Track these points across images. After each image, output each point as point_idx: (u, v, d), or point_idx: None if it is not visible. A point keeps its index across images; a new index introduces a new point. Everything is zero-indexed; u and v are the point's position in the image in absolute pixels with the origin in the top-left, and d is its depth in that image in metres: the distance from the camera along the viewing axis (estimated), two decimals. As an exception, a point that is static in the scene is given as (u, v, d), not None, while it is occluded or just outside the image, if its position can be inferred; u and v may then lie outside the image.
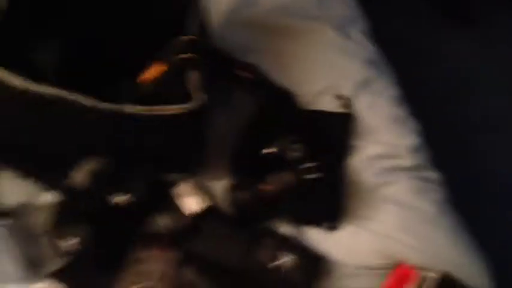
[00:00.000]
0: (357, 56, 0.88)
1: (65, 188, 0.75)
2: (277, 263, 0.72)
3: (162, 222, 0.76)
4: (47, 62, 0.73)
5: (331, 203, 0.77)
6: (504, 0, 1.50)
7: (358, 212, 0.77)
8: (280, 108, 0.81)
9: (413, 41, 1.28)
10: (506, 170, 1.25)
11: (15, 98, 0.66)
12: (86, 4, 0.74)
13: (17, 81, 0.65)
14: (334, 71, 0.86)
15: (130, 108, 0.66)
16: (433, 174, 0.81)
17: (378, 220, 0.76)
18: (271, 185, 0.74)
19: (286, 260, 0.72)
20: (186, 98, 0.70)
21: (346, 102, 0.83)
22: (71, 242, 0.70)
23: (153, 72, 0.74)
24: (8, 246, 0.67)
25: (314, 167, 0.73)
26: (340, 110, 0.83)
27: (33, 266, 0.72)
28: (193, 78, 0.69)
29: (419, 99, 0.89)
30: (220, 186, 0.79)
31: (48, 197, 0.78)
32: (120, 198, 0.74)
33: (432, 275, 0.69)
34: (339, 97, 0.83)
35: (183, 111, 0.67)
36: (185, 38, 0.70)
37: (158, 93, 0.74)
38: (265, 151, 0.77)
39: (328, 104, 0.83)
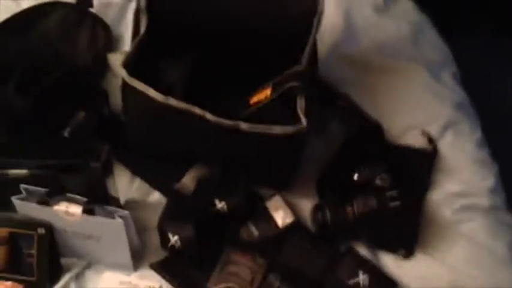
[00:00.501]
0: (446, 98, 0.94)
1: (175, 190, 0.86)
2: (355, 280, 0.79)
3: (254, 230, 0.85)
4: (177, 78, 0.84)
5: (409, 231, 0.84)
6: None
7: (433, 243, 0.83)
8: (369, 139, 0.88)
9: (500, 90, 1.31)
10: None
11: (151, 108, 0.78)
12: (212, 34, 0.84)
13: (152, 92, 0.77)
14: (423, 110, 0.92)
15: (245, 126, 0.76)
16: (507, 217, 0.86)
17: (451, 253, 0.81)
18: (356, 208, 0.82)
19: (364, 278, 0.79)
20: (290, 121, 0.79)
21: (432, 140, 0.89)
22: (174, 239, 0.81)
23: (261, 95, 0.84)
24: (122, 237, 0.77)
25: (397, 196, 0.80)
26: (425, 147, 0.89)
27: (138, 257, 0.83)
28: (300, 104, 0.78)
29: (498, 143, 0.94)
30: (306, 205, 0.87)
31: (156, 196, 0.91)
32: (220, 204, 0.84)
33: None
34: (425, 135, 0.90)
35: (288, 133, 0.76)
36: (297, 68, 0.79)
37: (263, 114, 0.84)
38: (354, 177, 0.85)
39: (414, 140, 0.90)
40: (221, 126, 0.77)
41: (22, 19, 0.98)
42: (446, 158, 0.88)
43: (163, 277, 0.80)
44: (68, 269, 0.82)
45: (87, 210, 0.76)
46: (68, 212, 0.76)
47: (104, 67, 0.99)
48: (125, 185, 0.88)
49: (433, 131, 0.90)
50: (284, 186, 0.86)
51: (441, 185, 0.86)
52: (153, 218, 0.83)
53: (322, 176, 0.89)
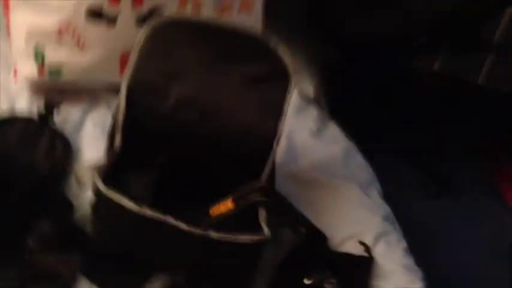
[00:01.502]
0: (376, 211, 1.09)
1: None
2: None
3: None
4: (143, 188, 0.91)
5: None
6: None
7: None
8: (316, 247, 0.99)
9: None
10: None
11: (124, 217, 0.83)
12: (177, 150, 0.93)
13: (126, 202, 0.83)
14: (358, 221, 1.06)
15: (215, 235, 0.83)
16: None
17: None
18: (309, 312, 0.90)
19: None
20: (249, 230, 0.88)
21: (368, 248, 1.02)
22: None
23: (223, 208, 0.93)
24: None
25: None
26: (363, 254, 1.01)
27: None
28: (261, 216, 0.88)
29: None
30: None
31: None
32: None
33: None
34: (362, 243, 1.02)
35: (254, 240, 0.84)
36: (258, 184, 0.90)
37: (223, 225, 0.91)
38: (305, 281, 0.94)
39: (353, 248, 1.02)
40: (192, 235, 0.84)
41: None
42: (381, 264, 1.00)
43: None
44: None
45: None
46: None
47: (63, 177, 1.03)
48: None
49: (368, 240, 1.03)
50: (242, 292, 0.93)
51: (378, 288, 0.98)
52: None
53: (273, 282, 0.97)
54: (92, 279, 0.90)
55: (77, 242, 0.90)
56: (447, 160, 1.76)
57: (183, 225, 0.83)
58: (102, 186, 0.84)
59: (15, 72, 1.14)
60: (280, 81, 0.93)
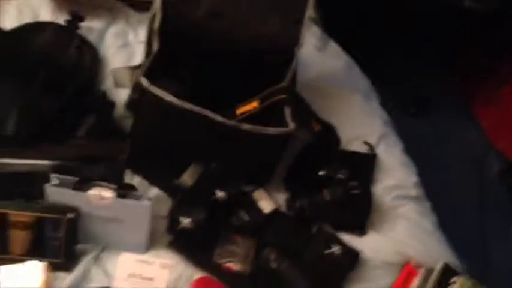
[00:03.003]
0: (378, 116, 1.24)
1: (175, 185, 0.99)
2: (329, 251, 0.99)
3: (245, 216, 1.01)
4: (178, 90, 0.99)
5: (362, 215, 1.07)
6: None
7: (380, 223, 1.07)
8: (328, 143, 1.12)
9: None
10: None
11: (166, 112, 0.93)
12: (210, 55, 1.02)
13: (169, 97, 0.92)
14: (362, 125, 1.20)
15: (246, 126, 0.94)
16: (427, 203, 1.14)
17: (394, 230, 1.06)
18: (325, 196, 1.03)
19: (336, 249, 0.99)
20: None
21: (372, 147, 1.16)
22: (186, 222, 0.94)
23: (249, 107, 1.03)
24: (146, 219, 0.89)
25: (357, 185, 1.04)
26: (367, 152, 1.15)
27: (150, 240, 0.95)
28: (287, 112, 0.99)
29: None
30: (278, 196, 1.06)
31: (155, 191, 1.01)
32: (220, 195, 0.99)
33: (437, 267, 1.00)
34: (366, 143, 1.16)
35: (280, 133, 0.96)
36: (282, 84, 1.00)
37: (250, 120, 1.02)
38: (320, 173, 1.07)
39: (358, 148, 1.16)
40: (226, 127, 0.95)
41: (21, 33, 1.07)
42: (382, 161, 1.15)
43: (179, 253, 0.93)
44: (83, 254, 0.92)
45: (119, 194, 0.87)
46: (101, 196, 0.87)
47: (91, 81, 1.11)
48: (128, 180, 0.99)
49: (371, 140, 1.17)
50: (266, 180, 1.05)
51: (381, 181, 1.12)
52: (153, 210, 0.95)
53: (289, 173, 1.10)
54: (135, 169, 1.01)
55: (117, 134, 1.00)
56: (427, 84, 1.91)
57: (219, 117, 0.94)
58: (146, 83, 0.93)
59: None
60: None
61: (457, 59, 1.89)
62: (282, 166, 1.09)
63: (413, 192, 1.13)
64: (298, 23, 1.02)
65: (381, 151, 1.16)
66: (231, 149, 0.98)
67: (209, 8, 1.01)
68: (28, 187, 0.88)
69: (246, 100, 1.03)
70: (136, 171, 1.01)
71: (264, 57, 1.03)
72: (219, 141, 0.97)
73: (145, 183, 1.02)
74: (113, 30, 1.23)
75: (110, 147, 0.91)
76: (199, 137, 0.97)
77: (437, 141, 1.80)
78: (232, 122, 0.94)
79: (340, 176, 1.06)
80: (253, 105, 1.03)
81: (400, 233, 1.06)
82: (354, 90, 1.26)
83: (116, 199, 0.87)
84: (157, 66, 0.99)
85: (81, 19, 1.15)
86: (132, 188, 0.90)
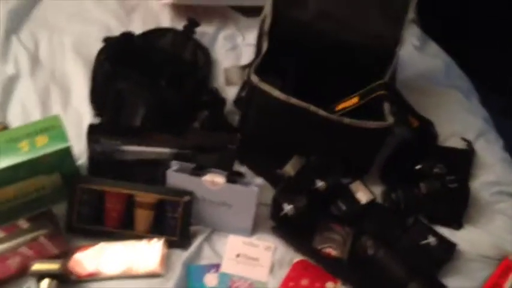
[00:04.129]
0: (476, 113, 1.25)
1: (278, 175, 1.08)
2: (426, 241, 1.03)
3: (342, 206, 1.07)
4: (283, 87, 1.08)
5: (460, 209, 1.09)
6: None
7: (477, 218, 1.09)
8: (427, 139, 1.15)
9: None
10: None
11: (274, 106, 1.01)
12: (313, 53, 1.10)
13: (277, 92, 1.01)
14: (461, 121, 1.22)
15: (347, 120, 1.01)
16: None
17: (491, 225, 1.08)
18: (423, 189, 1.07)
19: (432, 240, 1.02)
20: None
21: (470, 143, 1.17)
22: (288, 208, 1.02)
23: (349, 103, 1.09)
24: (252, 204, 0.98)
25: (455, 179, 1.06)
26: (465, 148, 1.17)
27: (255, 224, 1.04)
28: (386, 108, 1.04)
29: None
30: (374, 189, 1.11)
31: (259, 181, 1.08)
32: (320, 184, 1.06)
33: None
34: (464, 139, 1.18)
35: (381, 127, 1.01)
36: (382, 81, 1.05)
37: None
38: (417, 167, 1.10)
39: (456, 144, 1.18)
40: (329, 120, 1.02)
41: (147, 36, 1.22)
42: (481, 157, 1.16)
43: (281, 238, 1.02)
44: (196, 234, 1.03)
45: (230, 180, 0.97)
46: (214, 181, 0.97)
47: (205, 80, 1.23)
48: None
49: (470, 137, 1.18)
50: (364, 173, 1.11)
51: (479, 177, 1.14)
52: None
53: (385, 166, 1.15)
54: (242, 160, 1.10)
55: (226, 129, 1.11)
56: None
57: (322, 112, 1.01)
58: (256, 80, 1.02)
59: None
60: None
61: None
62: (379, 160, 1.14)
63: (513, 188, 1.14)
64: (400, 22, 1.07)
65: (480, 147, 1.18)
66: (332, 141, 1.05)
67: (317, 10, 1.09)
68: (152, 171, 1.00)
69: (346, 96, 1.10)
70: (242, 161, 1.11)
71: (367, 55, 1.09)
72: (321, 134, 1.04)
73: (250, 173, 1.10)
74: (223, 34, 1.35)
75: (221, 139, 1.01)
76: (302, 130, 1.05)
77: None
78: (334, 116, 1.01)
79: (437, 170, 1.09)
80: (353, 101, 1.08)
81: (498, 227, 1.07)
82: (453, 88, 1.28)
83: (227, 184, 0.97)
84: (265, 65, 1.08)
85: (197, 24, 1.28)
86: (241, 175, 1.00)
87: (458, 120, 1.21)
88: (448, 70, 1.33)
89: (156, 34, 1.23)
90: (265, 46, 1.07)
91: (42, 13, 1.33)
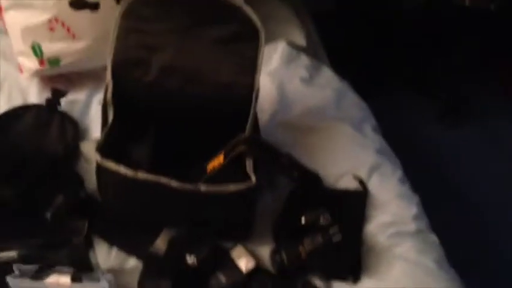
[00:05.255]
0: (368, 146, 1.13)
1: (150, 253, 0.98)
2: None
3: (222, 278, 0.97)
4: (142, 156, 1.00)
5: (353, 260, 0.99)
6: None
7: (375, 267, 0.98)
8: (311, 188, 1.04)
9: (414, 135, 1.55)
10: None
11: (123, 183, 0.92)
12: (169, 116, 1.01)
13: (122, 169, 0.92)
14: (351, 158, 1.11)
15: (204, 188, 0.91)
16: (432, 236, 1.02)
17: (391, 273, 0.97)
18: (306, 246, 0.96)
19: (321, 305, 0.92)
20: (242, 180, 0.95)
21: (362, 182, 1.07)
22: (154, 294, 0.92)
23: (216, 162, 1.00)
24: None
25: (338, 231, 0.95)
26: (358, 188, 1.06)
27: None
28: (248, 165, 0.94)
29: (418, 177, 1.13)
30: (265, 250, 1.01)
31: (133, 262, 1.01)
32: (190, 259, 0.96)
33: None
34: (357, 178, 1.07)
35: (241, 189, 0.91)
36: (242, 136, 0.96)
37: (219, 178, 0.99)
38: (302, 221, 1.00)
39: (348, 184, 1.07)
40: (184, 191, 0.92)
41: (1, 121, 1.12)
42: (375, 195, 1.06)
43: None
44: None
45: (75, 279, 0.87)
46: (59, 283, 0.87)
47: (74, 155, 1.13)
48: (104, 254, 0.99)
49: (362, 174, 1.08)
50: (244, 236, 1.00)
51: (374, 218, 1.03)
52: (132, 282, 0.94)
53: (275, 223, 1.04)
54: (106, 239, 1.00)
55: (88, 210, 1.01)
56: (462, 89, 1.75)
57: (174, 183, 0.91)
58: (98, 158, 0.93)
59: (20, 66, 1.25)
60: (251, 39, 0.98)
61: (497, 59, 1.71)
62: (268, 216, 1.04)
63: (412, 226, 1.02)
64: (252, 69, 0.98)
65: (374, 184, 1.07)
66: (197, 210, 0.95)
67: (160, 67, 1.00)
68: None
69: (213, 154, 1.00)
70: (111, 242, 1.01)
71: (222, 107, 1.00)
72: (183, 205, 0.95)
73: (122, 254, 1.01)
74: (98, 98, 1.25)
75: (69, 230, 0.92)
76: (162, 203, 0.95)
77: (482, 152, 1.63)
78: (189, 186, 0.91)
79: (322, 221, 0.99)
80: (219, 160, 0.99)
81: (397, 275, 0.96)
82: (343, 120, 1.17)
83: (73, 284, 0.87)
84: (115, 135, 0.99)
85: (62, 95, 1.19)
86: (91, 269, 0.90)
87: (349, 156, 1.11)
88: (340, 100, 1.22)
89: (14, 114, 1.15)
90: (111, 115, 0.98)
91: None
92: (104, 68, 1.26)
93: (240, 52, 0.99)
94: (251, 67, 0.99)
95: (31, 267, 0.88)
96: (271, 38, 1.24)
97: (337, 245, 0.94)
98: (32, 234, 0.92)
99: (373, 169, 1.09)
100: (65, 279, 0.87)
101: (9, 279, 0.88)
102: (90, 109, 1.23)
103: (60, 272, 0.88)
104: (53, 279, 0.87)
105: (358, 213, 1.03)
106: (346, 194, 1.06)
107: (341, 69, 1.30)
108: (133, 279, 0.94)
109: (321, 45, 1.38)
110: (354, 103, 1.23)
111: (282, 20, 1.40)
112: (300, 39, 1.35)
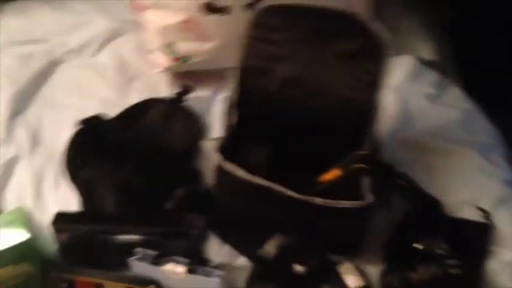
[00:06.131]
0: (497, 176, 1.06)
1: (258, 255, 1.00)
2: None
3: (328, 292, 0.97)
4: (258, 160, 1.01)
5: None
6: None
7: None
8: (428, 212, 1.00)
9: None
10: None
11: (240, 185, 0.95)
12: (288, 124, 1.02)
13: (241, 172, 0.94)
14: (476, 187, 1.04)
15: (318, 200, 0.91)
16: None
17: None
18: (420, 274, 0.92)
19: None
20: (354, 196, 0.93)
21: (487, 213, 1.00)
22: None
23: (330, 175, 0.99)
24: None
25: (457, 264, 0.90)
26: (481, 220, 1.00)
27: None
28: (365, 183, 0.92)
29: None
30: (374, 270, 0.99)
31: (242, 261, 1.04)
32: (298, 268, 0.97)
33: None
34: (480, 209, 1.01)
35: (357, 206, 0.90)
36: (361, 152, 0.94)
37: (331, 191, 0.98)
38: (415, 245, 0.96)
39: (469, 214, 1.01)
40: (298, 201, 0.92)
41: (132, 112, 1.20)
42: (501, 230, 0.99)
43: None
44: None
45: (190, 270, 0.91)
46: (174, 271, 0.92)
47: (196, 152, 1.18)
48: (216, 250, 1.03)
49: (486, 206, 1.01)
50: (353, 253, 0.98)
51: (498, 255, 0.96)
52: (239, 279, 0.97)
53: (387, 244, 1.01)
54: (218, 235, 1.03)
55: (206, 205, 1.05)
56: None
57: (289, 192, 0.92)
58: (219, 158, 0.96)
59: (153, 62, 1.32)
60: (375, 55, 0.95)
61: None
62: (380, 235, 1.01)
63: (540, 268, 0.94)
64: (375, 86, 0.95)
65: (500, 218, 1.00)
66: (307, 221, 0.95)
67: (284, 78, 1.01)
68: (123, 258, 0.97)
69: (328, 167, 0.99)
70: (224, 240, 1.04)
71: (340, 122, 0.98)
72: (296, 214, 0.95)
73: (233, 251, 1.03)
74: (221, 97, 1.29)
75: (188, 223, 0.95)
76: (274, 208, 0.96)
77: None
78: (303, 196, 0.91)
79: (439, 251, 0.94)
80: (334, 174, 0.98)
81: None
82: (470, 144, 1.10)
83: (186, 275, 0.91)
84: (236, 138, 1.02)
85: (189, 91, 1.24)
86: (205, 263, 0.93)
87: (473, 184, 1.04)
88: (468, 122, 1.15)
89: (144, 106, 1.21)
90: (235, 119, 1.01)
91: (48, 92, 1.36)
92: (229, 69, 1.33)
93: (363, 67, 0.97)
94: (373, 83, 0.96)
95: (151, 253, 0.94)
96: (397, 52, 1.22)
97: (455, 279, 0.90)
98: (153, 222, 0.98)
99: (500, 202, 1.02)
100: (180, 269, 0.91)
101: (131, 261, 0.94)
102: (212, 107, 1.28)
103: (176, 262, 0.92)
104: (169, 267, 0.92)
105: (480, 247, 0.97)
106: (467, 224, 1.00)
107: (472, 87, 1.22)
108: (241, 277, 0.97)
109: (451, 60, 1.30)
110: (483, 127, 1.16)
111: (409, 32, 1.36)
112: (428, 53, 1.30)
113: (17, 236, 0.95)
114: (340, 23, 0.94)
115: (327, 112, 0.99)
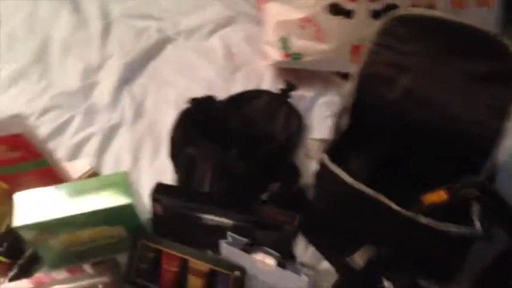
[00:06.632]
0: None
1: (345, 263, 0.99)
2: None
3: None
4: (360, 167, 1.00)
5: None
6: None
7: None
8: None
9: None
10: None
11: (342, 189, 0.93)
12: (397, 138, 0.99)
13: (345, 176, 0.93)
14: None
15: (424, 220, 0.88)
16: None
17: None
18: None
19: None
20: (460, 221, 0.90)
21: None
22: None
23: (436, 196, 0.96)
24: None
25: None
26: None
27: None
28: (475, 211, 0.89)
29: None
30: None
31: (325, 265, 1.03)
32: (387, 284, 0.94)
33: None
34: None
35: (463, 233, 0.87)
36: (477, 179, 0.90)
37: (434, 212, 0.95)
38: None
39: None
40: (401, 216, 0.90)
41: (238, 99, 1.22)
42: None
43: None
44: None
45: (280, 264, 0.91)
46: (264, 262, 0.92)
47: (295, 149, 1.18)
48: (302, 249, 1.03)
49: None
50: (445, 281, 0.95)
51: None
52: (321, 284, 0.97)
53: (481, 278, 0.97)
54: (308, 237, 1.03)
55: (299, 203, 1.04)
56: None
57: (394, 206, 0.90)
58: (326, 159, 0.95)
59: (264, 54, 1.34)
60: (509, 82, 0.91)
61: None
62: (471, 267, 0.97)
63: None
64: (502, 112, 0.91)
65: None
66: (405, 237, 0.92)
67: (406, 89, 0.99)
68: (212, 238, 0.98)
69: (434, 186, 0.96)
70: (311, 241, 1.03)
71: (459, 145, 0.95)
72: (394, 228, 0.93)
73: (318, 254, 1.03)
74: (323, 100, 1.30)
75: (282, 218, 0.95)
76: (372, 218, 0.94)
77: None
78: (407, 213, 0.89)
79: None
80: (440, 195, 0.95)
81: None
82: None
83: (276, 268, 0.91)
84: (344, 141, 1.01)
85: (293, 88, 1.24)
86: (293, 259, 0.92)
87: None
88: None
89: (250, 95, 1.23)
90: (346, 122, 1.00)
91: (155, 67, 1.41)
92: (335, 73, 1.33)
93: (492, 92, 0.93)
94: (502, 110, 0.92)
95: (242, 240, 0.94)
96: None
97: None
98: (247, 210, 0.98)
99: None
100: (271, 261, 0.91)
101: (222, 244, 0.95)
102: (313, 108, 1.29)
103: (267, 253, 0.92)
104: (259, 257, 0.92)
105: None
106: None
107: None
108: (323, 281, 0.97)
109: None
110: None
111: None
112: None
113: (117, 198, 0.97)
114: (478, 42, 0.91)
115: (443, 131, 0.96)
